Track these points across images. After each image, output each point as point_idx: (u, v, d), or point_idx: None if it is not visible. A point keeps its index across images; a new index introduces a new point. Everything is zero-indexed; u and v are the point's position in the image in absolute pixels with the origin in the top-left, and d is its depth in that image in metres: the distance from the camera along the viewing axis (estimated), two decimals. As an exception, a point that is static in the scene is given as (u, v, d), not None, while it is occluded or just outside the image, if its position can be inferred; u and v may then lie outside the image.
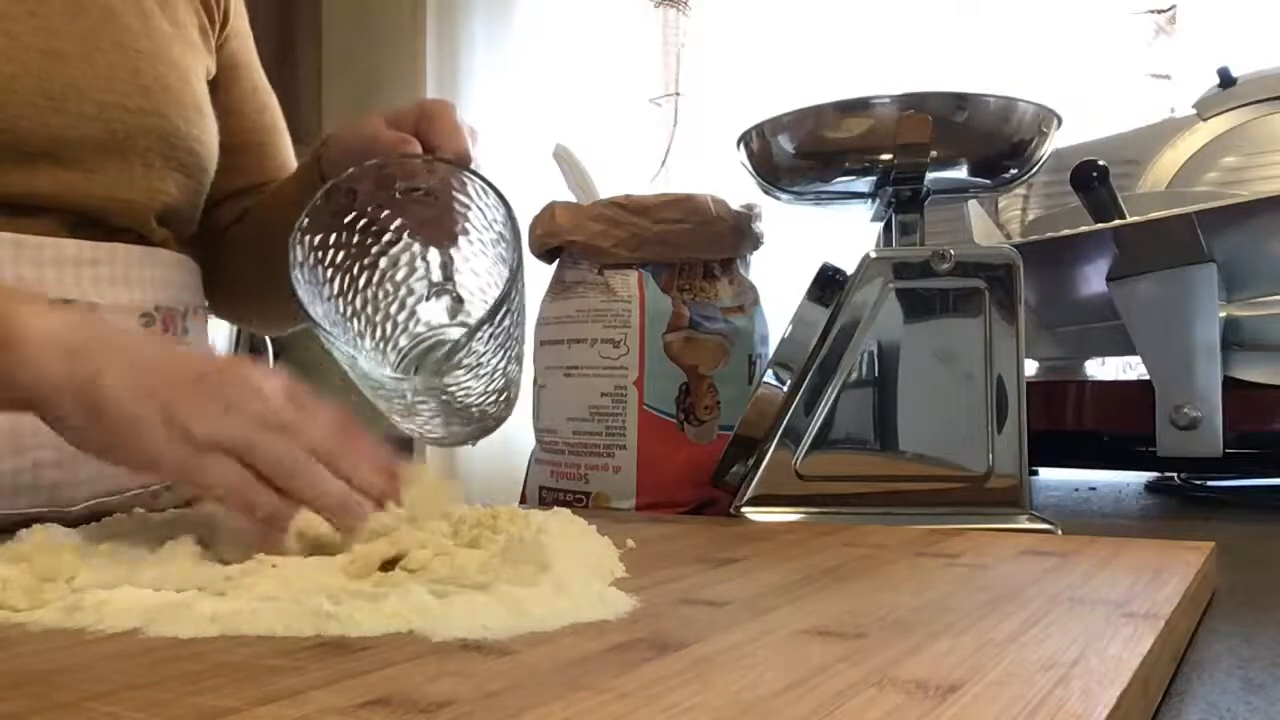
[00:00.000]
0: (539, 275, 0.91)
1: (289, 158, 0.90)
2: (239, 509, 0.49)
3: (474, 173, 0.62)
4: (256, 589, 0.42)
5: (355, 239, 0.63)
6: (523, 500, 0.92)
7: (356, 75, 2.30)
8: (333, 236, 0.61)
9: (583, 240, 0.84)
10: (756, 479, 0.74)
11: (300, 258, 0.58)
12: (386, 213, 0.64)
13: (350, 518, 0.50)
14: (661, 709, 0.28)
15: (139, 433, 0.49)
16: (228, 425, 0.49)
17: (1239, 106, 1.10)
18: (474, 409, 0.60)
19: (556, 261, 0.89)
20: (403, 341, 0.65)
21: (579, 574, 0.44)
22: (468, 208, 0.63)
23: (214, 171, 0.78)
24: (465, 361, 0.56)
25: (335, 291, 0.62)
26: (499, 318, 0.56)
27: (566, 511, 0.56)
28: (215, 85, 0.81)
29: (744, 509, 0.74)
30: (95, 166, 0.68)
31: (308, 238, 0.59)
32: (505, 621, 0.37)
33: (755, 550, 0.56)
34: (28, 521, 0.53)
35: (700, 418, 0.84)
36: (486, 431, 0.63)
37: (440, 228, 0.65)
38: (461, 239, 0.65)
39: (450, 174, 0.63)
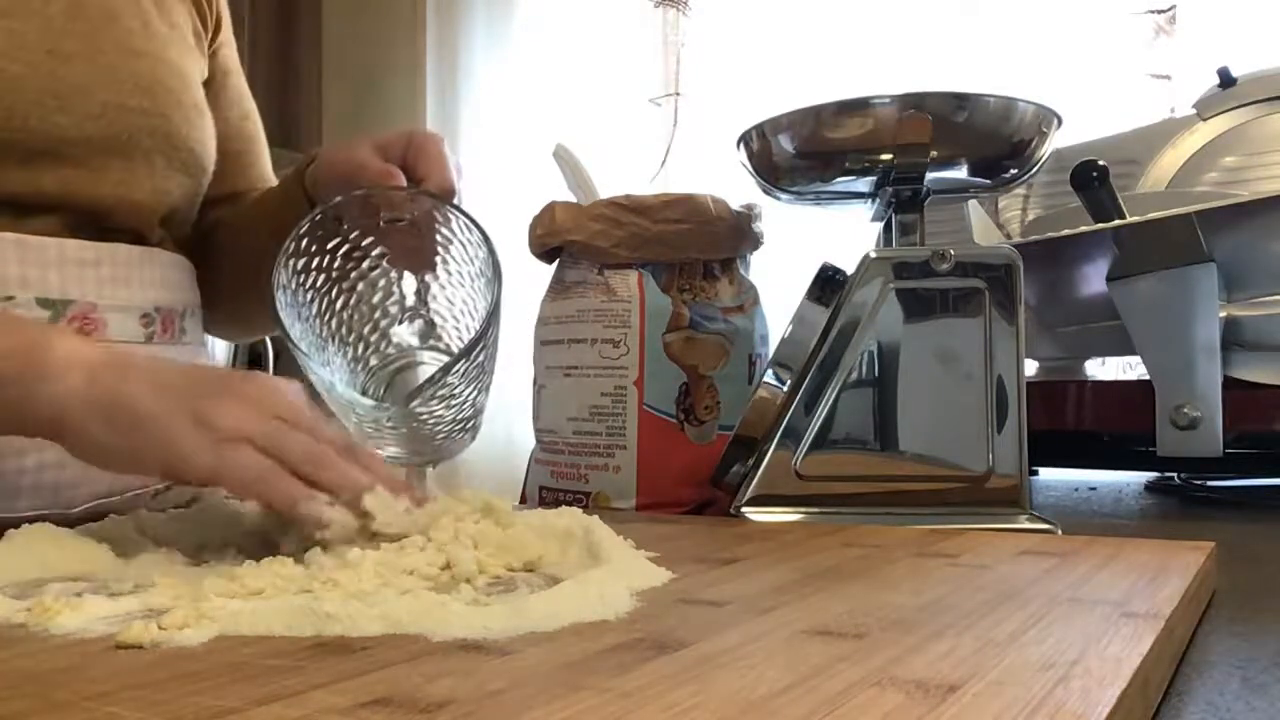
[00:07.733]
0: (539, 275, 0.91)
1: (266, 169, 0.89)
2: (265, 499, 0.50)
3: (458, 209, 0.63)
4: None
5: (336, 264, 0.63)
6: (523, 500, 0.92)
7: (356, 75, 2.29)
8: (315, 261, 0.62)
9: (583, 240, 0.84)
10: (756, 479, 0.74)
11: (284, 280, 0.59)
12: (369, 240, 0.64)
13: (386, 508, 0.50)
14: (661, 709, 0.28)
15: (166, 433, 0.49)
16: (253, 419, 0.50)
17: (1239, 106, 1.10)
18: (440, 436, 0.61)
19: (556, 261, 0.89)
20: (373, 361, 0.66)
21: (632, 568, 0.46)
22: (450, 241, 0.64)
23: (212, 173, 0.78)
24: (440, 394, 0.57)
25: (313, 314, 0.62)
26: (475, 353, 0.57)
27: (576, 511, 0.56)
28: (205, 90, 0.81)
29: (744, 509, 0.74)
30: (99, 166, 0.68)
31: (292, 261, 0.60)
32: (505, 621, 0.37)
33: (755, 550, 0.56)
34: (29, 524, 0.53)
35: (700, 418, 0.84)
36: (447, 456, 0.64)
37: (420, 256, 0.66)
38: (440, 268, 0.66)
39: (434, 208, 0.64)
